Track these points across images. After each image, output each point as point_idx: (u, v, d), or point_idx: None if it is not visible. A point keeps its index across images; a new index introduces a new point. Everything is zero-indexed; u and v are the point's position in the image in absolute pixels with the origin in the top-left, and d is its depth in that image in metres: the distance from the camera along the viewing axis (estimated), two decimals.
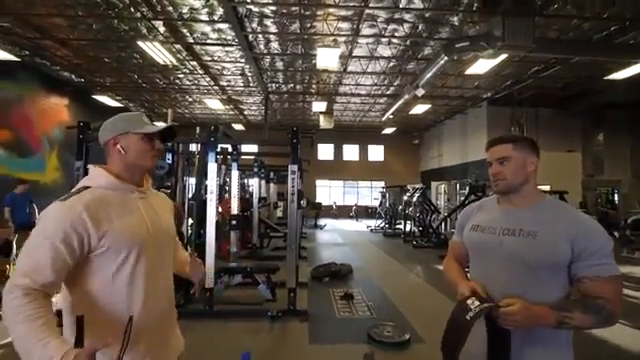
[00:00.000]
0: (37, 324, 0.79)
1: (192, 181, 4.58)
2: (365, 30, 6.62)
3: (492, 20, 4.93)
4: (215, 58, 8.23)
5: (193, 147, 4.65)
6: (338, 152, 17.96)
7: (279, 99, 12.13)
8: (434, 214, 9.81)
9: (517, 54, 6.22)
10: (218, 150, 4.15)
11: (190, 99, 11.99)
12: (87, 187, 0.96)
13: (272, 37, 7.05)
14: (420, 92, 7.49)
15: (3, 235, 4.00)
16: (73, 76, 9.34)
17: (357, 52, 7.69)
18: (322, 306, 4.01)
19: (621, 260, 6.54)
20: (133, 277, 0.96)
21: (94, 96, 10.50)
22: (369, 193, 18.10)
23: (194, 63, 8.46)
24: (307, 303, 4.03)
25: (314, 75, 9.44)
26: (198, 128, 4.92)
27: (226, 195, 6.08)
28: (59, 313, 0.95)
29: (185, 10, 5.93)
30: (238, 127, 15.30)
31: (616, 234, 8.53)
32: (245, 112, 13.99)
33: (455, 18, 6.13)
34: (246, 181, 8.35)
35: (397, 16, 6.11)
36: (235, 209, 5.36)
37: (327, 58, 6.85)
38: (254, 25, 6.45)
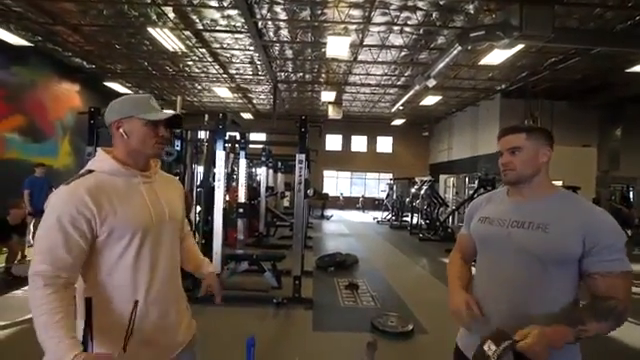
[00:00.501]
0: (54, 319, 0.82)
1: (200, 169, 4.61)
2: (377, 18, 6.48)
3: (509, 8, 4.76)
4: (224, 45, 8.17)
5: (202, 135, 4.67)
6: (346, 143, 17.85)
7: (288, 88, 12.05)
8: (442, 207, 9.74)
9: (534, 44, 6.02)
10: (226, 138, 4.16)
11: (199, 87, 12.00)
12: (91, 171, 0.97)
13: (282, 24, 6.95)
14: (431, 83, 7.34)
15: (19, 215, 4.11)
16: (85, 62, 9.41)
17: (368, 41, 7.55)
18: (327, 295, 4.04)
19: (633, 258, 6.38)
20: (137, 262, 0.96)
21: (105, 83, 10.58)
22: (376, 185, 18.03)
23: (203, 50, 8.42)
24: (312, 291, 4.07)
25: (324, 64, 9.32)
26: (207, 116, 4.93)
27: (234, 183, 6.12)
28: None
29: None
30: (247, 116, 15.30)
31: (629, 232, 8.36)
32: (254, 101, 13.96)
33: (470, 6, 5.93)
34: (254, 170, 8.39)
35: (410, 3, 5.95)
36: (242, 197, 5.40)
37: (337, 47, 6.73)
38: (264, 12, 6.37)
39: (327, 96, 11.42)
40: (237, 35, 7.51)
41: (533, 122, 9.82)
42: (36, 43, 7.72)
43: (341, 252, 5.61)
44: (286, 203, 10.70)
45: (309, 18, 6.60)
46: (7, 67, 7.40)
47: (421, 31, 6.99)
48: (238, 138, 5.68)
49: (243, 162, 5.58)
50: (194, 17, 6.71)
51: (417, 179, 10.87)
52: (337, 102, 12.07)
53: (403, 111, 13.52)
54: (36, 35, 7.53)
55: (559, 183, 8.33)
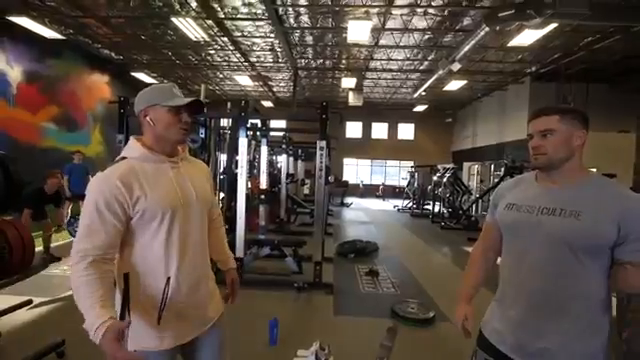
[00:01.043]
0: (91, 290, 0.91)
1: (224, 156, 4.73)
2: (399, 0, 6.26)
3: None
4: (245, 33, 8.19)
5: (224, 122, 4.77)
6: (367, 130, 17.61)
7: (308, 75, 11.96)
8: (465, 195, 9.51)
9: (569, 23, 5.62)
10: (248, 125, 4.22)
11: (221, 75, 12.14)
12: (124, 158, 1.05)
13: (302, 10, 6.87)
14: (456, 67, 7.06)
15: (55, 184, 4.33)
16: (113, 54, 9.74)
17: (390, 24, 7.32)
18: (347, 281, 4.10)
19: None
20: (167, 242, 1.03)
21: (132, 73, 10.92)
22: (397, 173, 17.77)
23: (225, 39, 8.48)
24: (332, 277, 4.14)
25: (344, 50, 9.15)
26: (229, 104, 5.01)
27: (255, 171, 6.24)
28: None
29: None
30: (267, 104, 15.37)
31: None
32: (274, 89, 13.98)
33: None
34: (274, 158, 8.48)
35: None
36: (264, 184, 5.50)
37: (358, 31, 6.58)
38: None
39: (347, 82, 11.25)
40: (258, 22, 7.49)
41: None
42: (68, 36, 8.04)
43: (361, 239, 5.64)
44: (306, 190, 10.79)
45: (330, 2, 6.47)
46: (43, 60, 7.77)
47: (446, 12, 6.69)
48: (259, 126, 5.75)
49: (264, 149, 5.65)
50: (216, 5, 6.74)
51: (439, 166, 10.63)
52: (358, 88, 11.87)
53: (425, 97, 13.11)
54: (68, 28, 7.84)
55: (593, 170, 7.81)
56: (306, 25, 7.58)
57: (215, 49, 9.34)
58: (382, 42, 8.35)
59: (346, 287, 3.86)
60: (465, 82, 10.65)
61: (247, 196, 3.84)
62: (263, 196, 5.49)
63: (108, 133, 9.56)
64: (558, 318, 0.95)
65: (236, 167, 3.97)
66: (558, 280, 0.96)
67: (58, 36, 7.27)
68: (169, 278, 1.03)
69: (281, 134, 7.55)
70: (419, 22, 7.17)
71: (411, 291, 3.82)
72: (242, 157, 3.77)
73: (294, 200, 7.73)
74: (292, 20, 7.36)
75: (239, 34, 8.24)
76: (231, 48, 9.17)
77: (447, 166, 10.28)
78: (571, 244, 0.93)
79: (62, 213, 4.68)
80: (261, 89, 13.92)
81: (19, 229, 3.28)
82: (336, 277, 4.19)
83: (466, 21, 7.02)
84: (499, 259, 1.18)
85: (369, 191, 16.66)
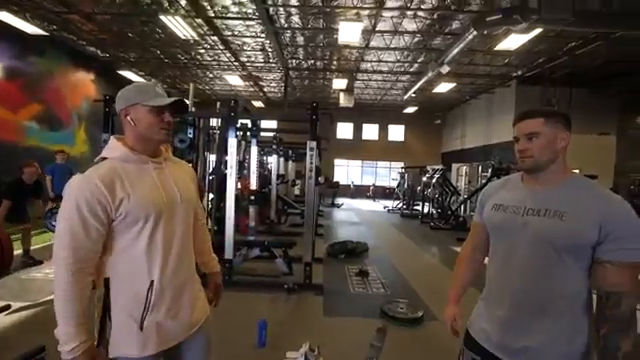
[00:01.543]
0: (69, 305, 0.90)
1: (212, 157, 4.67)
2: (390, 2, 6.31)
3: None
4: (235, 33, 8.13)
5: (214, 122, 4.71)
6: (357, 131, 17.70)
7: (299, 76, 11.95)
8: (454, 196, 9.64)
9: (553, 28, 5.77)
10: (238, 125, 4.18)
11: (210, 75, 12.02)
12: (105, 158, 1.01)
13: (293, 10, 6.86)
14: (445, 69, 7.17)
15: (33, 173, 4.14)
16: (99, 51, 9.52)
17: (380, 26, 7.38)
18: (337, 281, 4.10)
19: None
20: (151, 245, 1.00)
21: (119, 71, 10.71)
22: (387, 173, 17.90)
23: (215, 38, 8.40)
24: (322, 278, 4.14)
25: (335, 51, 9.18)
26: (219, 103, 4.95)
27: (245, 171, 6.19)
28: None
29: None
30: (257, 104, 15.29)
31: None
32: (265, 89, 13.92)
33: None
34: (265, 158, 8.44)
35: None
36: (254, 185, 5.46)
37: (349, 33, 6.61)
38: None
39: (338, 84, 11.29)
40: (248, 22, 7.44)
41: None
42: (52, 32, 7.82)
43: (351, 240, 5.65)
44: (297, 191, 10.76)
45: (321, 4, 6.48)
46: (25, 57, 7.55)
47: (435, 16, 6.79)
48: (250, 126, 5.70)
49: (254, 150, 5.61)
50: (205, 4, 6.67)
51: (429, 167, 10.75)
52: (348, 90, 11.92)
53: (415, 99, 13.27)
54: (51, 24, 7.63)
55: (576, 171, 8.02)
56: (297, 25, 7.57)
57: (205, 48, 9.24)
58: (373, 44, 8.41)
59: (336, 288, 3.86)
60: (454, 85, 10.82)
61: (236, 197, 3.80)
62: (253, 197, 5.45)
63: (93, 132, 9.35)
64: (542, 317, 0.97)
65: (225, 168, 3.93)
66: (542, 280, 0.97)
67: (41, 32, 7.07)
68: (152, 282, 1.00)
69: (271, 134, 7.52)
70: (409, 25, 7.25)
71: (401, 291, 3.84)
72: (231, 157, 3.72)
73: (284, 201, 7.70)
74: (283, 20, 7.34)
75: (229, 33, 8.17)
76: (221, 47, 9.08)
77: (436, 167, 10.42)
78: (555, 244, 0.95)
79: (41, 205, 4.50)
80: (252, 89, 13.84)
81: None
82: (326, 278, 4.18)
83: (455, 25, 7.13)
84: (487, 259, 1.19)
85: (360, 192, 16.74)
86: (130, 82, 1.10)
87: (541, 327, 0.97)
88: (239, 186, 5.55)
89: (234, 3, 6.58)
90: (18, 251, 4.01)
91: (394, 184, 14.89)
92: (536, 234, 0.98)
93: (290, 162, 9.18)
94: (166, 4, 6.59)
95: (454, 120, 15.93)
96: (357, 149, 17.60)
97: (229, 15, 7.10)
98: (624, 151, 10.23)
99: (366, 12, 6.73)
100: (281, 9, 6.79)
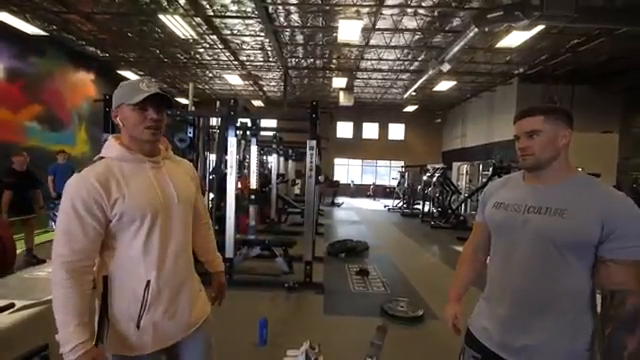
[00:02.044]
0: (69, 304, 0.90)
1: (212, 156, 4.67)
2: (390, 0, 6.29)
3: None
4: (235, 32, 8.12)
5: (214, 122, 4.71)
6: (357, 130, 17.68)
7: (298, 74, 11.94)
8: (454, 195, 9.62)
9: (556, 25, 5.74)
10: (238, 125, 4.18)
11: (210, 74, 12.01)
12: (102, 157, 1.01)
13: (292, 9, 6.84)
14: (446, 67, 7.15)
15: (22, 162, 4.24)
16: (98, 51, 9.52)
17: (380, 24, 7.35)
18: (337, 280, 4.10)
19: None
20: (147, 245, 0.99)
21: (118, 71, 10.71)
22: (387, 172, 17.89)
23: (214, 37, 8.39)
24: (323, 277, 4.13)
25: (335, 49, 9.16)
26: (218, 103, 4.95)
27: (245, 171, 6.18)
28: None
29: None
30: (257, 103, 15.29)
31: None
32: (264, 88, 13.91)
33: None
34: (265, 157, 8.44)
35: None
36: (254, 184, 5.46)
37: (349, 31, 6.59)
38: None
39: (338, 82, 11.27)
40: (247, 21, 7.43)
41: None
42: (51, 32, 7.83)
43: (352, 239, 5.64)
44: (297, 190, 10.76)
45: (320, 1, 6.46)
46: (25, 57, 7.56)
47: (436, 13, 6.76)
48: (249, 125, 5.69)
49: (254, 149, 5.60)
50: (204, 3, 6.66)
51: (429, 166, 10.73)
52: (348, 88, 11.90)
53: (416, 97, 13.24)
54: (51, 24, 7.63)
55: (579, 169, 7.99)
56: (296, 24, 7.55)
57: (204, 47, 9.23)
58: (373, 42, 8.38)
59: (336, 286, 3.86)
60: (454, 83, 10.79)
61: (237, 196, 3.79)
62: (253, 196, 5.44)
63: (94, 132, 9.36)
64: (543, 315, 0.96)
65: (225, 167, 3.92)
66: (544, 278, 0.96)
67: (41, 32, 7.08)
68: (149, 281, 0.99)
69: (271, 134, 7.51)
70: (409, 22, 7.23)
71: (401, 290, 3.84)
72: (231, 157, 3.72)
73: (285, 200, 7.69)
74: (282, 19, 7.32)
75: (228, 32, 8.16)
76: (220, 46, 9.07)
77: (437, 166, 10.40)
78: (556, 242, 0.93)
79: (41, 196, 4.57)
80: (251, 88, 13.83)
81: None
82: (327, 277, 4.18)
83: (455, 22, 7.10)
84: (489, 258, 1.18)
85: (360, 191, 16.73)
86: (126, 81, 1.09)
87: (542, 325, 0.96)
88: (239, 185, 5.55)
89: (233, 2, 6.56)
90: (21, 249, 4.03)
91: (394, 183, 14.87)
92: (537, 232, 0.97)
93: (290, 161, 9.17)
94: (165, 3, 6.58)
95: (455, 119, 15.90)
96: (357, 148, 17.58)
97: (228, 14, 7.09)
98: (627, 149, 10.18)
99: (366, 10, 6.71)
100: (280, 7, 6.77)
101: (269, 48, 9.13)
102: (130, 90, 1.00)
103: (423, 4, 6.37)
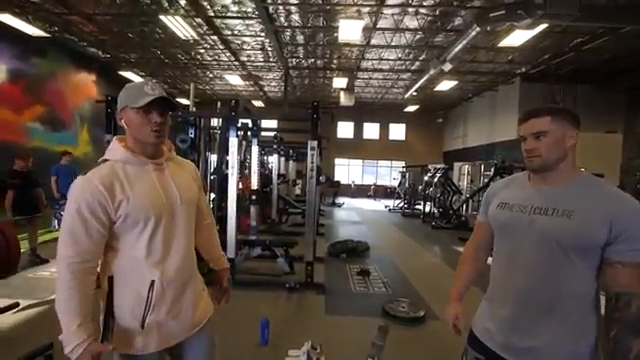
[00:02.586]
0: (71, 304, 0.92)
1: (214, 156, 4.67)
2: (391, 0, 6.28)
3: None
4: (235, 32, 8.13)
5: (215, 122, 4.71)
6: (358, 130, 17.67)
7: (299, 75, 11.94)
8: (455, 195, 9.60)
9: (559, 24, 5.70)
10: (239, 125, 4.18)
11: (211, 75, 12.03)
12: (106, 160, 1.02)
13: (293, 9, 6.84)
14: (447, 67, 7.13)
15: (22, 165, 4.27)
16: (100, 52, 9.56)
17: (381, 24, 7.35)
18: (338, 280, 4.09)
19: None
20: (151, 246, 1.00)
21: (120, 72, 10.75)
22: (388, 173, 17.87)
23: (214, 37, 8.40)
24: (324, 277, 4.12)
25: (335, 49, 9.16)
26: (219, 103, 4.95)
27: (246, 171, 6.18)
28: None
29: None
30: (258, 104, 15.30)
31: None
32: (265, 88, 13.92)
33: None
34: (266, 158, 8.44)
35: None
36: (255, 185, 5.45)
37: (350, 31, 6.59)
38: None
39: (339, 82, 11.27)
40: (248, 21, 7.44)
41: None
42: (53, 34, 7.86)
43: (353, 239, 5.63)
44: (298, 191, 10.76)
45: (320, 1, 6.46)
46: (27, 59, 7.59)
47: (437, 12, 6.75)
48: (250, 125, 5.69)
49: (255, 149, 5.60)
50: (205, 4, 6.67)
51: (430, 167, 10.71)
52: (349, 88, 11.89)
53: (417, 97, 13.22)
54: (53, 25, 7.66)
55: (582, 170, 7.88)
56: (297, 24, 7.55)
57: (205, 48, 9.24)
58: (373, 42, 8.38)
59: (338, 287, 3.85)
60: (456, 82, 10.77)
61: (238, 196, 3.79)
62: (254, 196, 5.44)
63: (96, 133, 9.40)
64: (548, 317, 0.95)
65: (226, 167, 3.92)
66: (549, 279, 0.96)
67: (43, 34, 7.11)
68: (153, 282, 1.01)
69: (272, 134, 7.52)
70: (410, 22, 7.21)
71: (402, 290, 3.82)
72: (232, 157, 3.72)
73: (285, 200, 7.69)
74: (283, 19, 7.32)
75: (229, 33, 8.17)
76: (221, 47, 9.08)
77: (438, 166, 10.37)
78: (563, 243, 0.93)
79: (43, 195, 4.59)
80: (252, 89, 13.84)
81: (2, 229, 3.18)
82: (328, 277, 4.17)
83: (457, 21, 7.08)
84: (490, 258, 1.17)
85: (361, 191, 16.71)
86: (131, 82, 1.09)
87: (546, 327, 0.95)
88: (240, 186, 5.55)
89: (234, 2, 6.57)
90: (25, 249, 4.04)
91: (395, 183, 14.85)
92: (542, 233, 0.96)
93: (291, 162, 9.17)
94: (166, 4, 6.60)
95: (456, 118, 15.86)
96: (358, 148, 17.57)
97: (229, 14, 7.09)
98: (631, 149, 10.12)
99: (367, 9, 6.70)
100: (281, 7, 6.78)
101: (270, 48, 9.13)
102: (135, 93, 1.01)
103: (424, 3, 6.36)
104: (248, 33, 8.17)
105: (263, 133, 6.64)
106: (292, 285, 3.58)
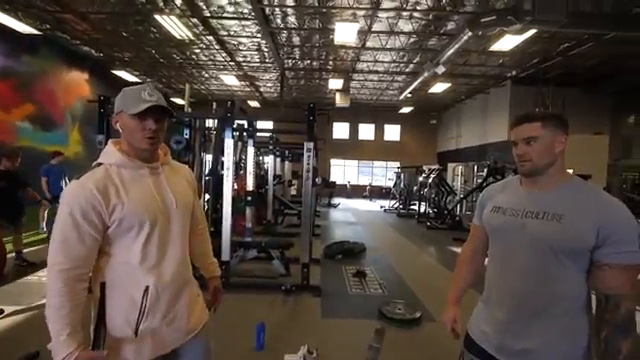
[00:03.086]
0: (61, 313, 0.89)
1: (209, 157, 4.64)
2: (385, 3, 6.33)
3: None
4: (231, 33, 8.09)
5: (210, 123, 4.68)
6: (353, 131, 17.72)
7: (295, 76, 11.94)
8: (450, 196, 9.69)
9: (547, 29, 5.82)
10: (234, 126, 4.16)
11: (206, 75, 11.95)
12: (100, 164, 1.01)
13: (289, 10, 6.84)
14: (440, 70, 7.21)
15: (8, 166, 4.11)
16: (93, 51, 9.43)
17: (376, 27, 7.40)
18: (335, 282, 4.09)
19: None
20: (145, 251, 0.99)
21: (113, 71, 10.61)
22: (383, 173, 17.96)
23: (210, 38, 8.36)
24: (320, 279, 4.12)
25: (331, 51, 9.19)
26: (215, 104, 4.93)
27: (241, 172, 6.16)
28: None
29: None
30: (253, 104, 15.25)
31: None
32: (261, 89, 13.88)
33: None
34: (261, 159, 8.42)
35: None
36: (250, 186, 5.44)
37: (345, 33, 6.62)
38: None
39: (335, 84, 11.30)
40: (244, 22, 7.42)
41: (544, 110, 9.62)
42: (45, 31, 7.73)
43: (349, 240, 5.65)
44: (293, 191, 10.75)
45: (317, 4, 6.48)
46: (17, 56, 7.45)
47: (430, 17, 6.82)
48: (246, 126, 5.68)
49: (251, 150, 5.58)
50: (201, 4, 6.63)
51: (425, 167, 10.79)
52: (345, 90, 11.93)
53: (411, 99, 13.32)
54: (44, 23, 7.54)
55: (570, 172, 8.06)
56: (293, 26, 7.56)
57: (200, 48, 9.19)
58: (369, 44, 8.42)
59: (334, 289, 3.86)
60: (449, 85, 10.88)
61: (233, 198, 3.77)
62: (250, 198, 5.42)
63: (87, 133, 9.26)
64: (541, 319, 0.97)
65: (222, 168, 3.90)
66: (541, 282, 0.98)
67: (34, 31, 6.98)
68: (147, 287, 0.99)
69: (268, 135, 7.50)
70: (405, 25, 7.28)
71: (398, 291, 3.85)
72: (228, 158, 3.70)
73: (281, 201, 7.68)
74: (279, 20, 7.32)
75: (225, 33, 8.13)
76: (217, 47, 9.04)
77: (432, 167, 10.46)
78: (553, 247, 0.95)
79: (32, 193, 4.43)
80: (248, 89, 13.79)
81: None
82: (324, 279, 4.17)
83: (450, 25, 7.17)
84: (487, 260, 1.19)
85: (356, 192, 16.76)
86: (125, 82, 1.09)
87: (541, 329, 0.97)
88: (236, 187, 5.53)
89: (230, 3, 6.55)
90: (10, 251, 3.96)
91: (390, 184, 14.93)
92: (534, 236, 0.98)
93: (287, 162, 9.16)
94: (161, 4, 6.54)
95: (449, 120, 16.02)
96: (353, 149, 17.62)
97: (225, 15, 7.07)
98: (617, 150, 10.35)
99: (362, 13, 6.74)
100: (277, 9, 6.77)
101: (266, 49, 9.12)
102: (132, 98, 0.99)
103: (418, 8, 6.42)
104: (244, 34, 8.15)
105: (259, 134, 6.62)
106: (288, 287, 3.57)
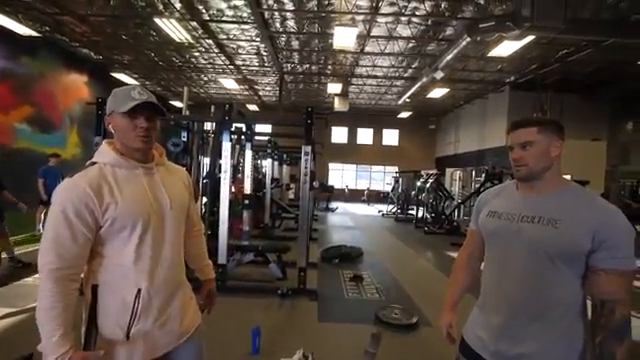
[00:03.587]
0: (52, 314, 0.88)
1: (206, 160, 4.64)
2: (384, 8, 6.37)
3: None
4: (231, 36, 8.13)
5: (208, 126, 4.69)
6: (352, 135, 17.76)
7: (294, 80, 11.98)
8: (447, 201, 9.70)
9: (546, 35, 5.87)
10: (232, 129, 4.16)
11: (205, 78, 11.99)
12: (95, 163, 1.00)
13: (288, 15, 6.88)
14: (439, 75, 7.24)
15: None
16: (92, 53, 9.45)
17: (375, 32, 7.44)
18: (331, 286, 4.08)
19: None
20: (138, 252, 0.98)
21: (112, 74, 10.63)
22: (382, 178, 17.98)
23: (210, 41, 8.39)
24: (317, 283, 4.10)
25: (330, 56, 9.23)
26: (213, 107, 4.93)
27: (239, 175, 6.15)
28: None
29: None
30: (252, 108, 15.28)
31: (638, 228, 8.23)
32: (260, 93, 13.92)
33: None
34: (259, 162, 8.42)
35: None
36: (248, 189, 5.43)
37: (344, 38, 6.65)
38: (270, 2, 6.30)
39: (333, 88, 11.34)
40: (243, 26, 7.45)
41: (542, 115, 9.67)
42: (44, 34, 7.75)
43: (346, 244, 5.63)
44: (291, 195, 10.74)
45: (316, 8, 6.51)
46: (16, 58, 7.45)
47: (429, 22, 6.87)
48: (244, 130, 5.68)
49: (249, 154, 5.58)
50: (200, 7, 6.66)
51: (423, 172, 10.81)
52: (343, 94, 11.97)
53: (410, 104, 13.38)
54: (44, 25, 7.56)
55: (567, 177, 8.06)
56: (292, 30, 7.60)
57: (200, 51, 9.22)
58: (368, 49, 8.47)
59: (331, 293, 3.84)
60: (448, 90, 10.93)
61: (230, 201, 3.76)
62: (247, 201, 5.41)
63: (86, 135, 9.23)
64: (537, 324, 0.97)
65: (219, 171, 3.89)
66: (536, 287, 0.97)
67: (33, 33, 6.99)
68: (140, 290, 0.97)
69: (266, 138, 7.51)
70: (403, 30, 7.32)
71: (395, 296, 3.83)
72: (225, 161, 3.70)
73: (279, 205, 7.67)
74: (278, 24, 7.36)
75: (224, 37, 8.16)
76: (216, 51, 9.07)
77: (430, 172, 10.48)
78: (549, 251, 0.95)
79: (8, 196, 4.34)
80: (247, 93, 13.82)
81: None
82: (321, 283, 4.16)
83: (449, 31, 7.22)
84: (483, 264, 1.19)
85: (354, 196, 16.76)
86: (124, 84, 1.09)
87: (537, 334, 0.97)
88: (233, 190, 5.52)
89: (229, 7, 6.58)
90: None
91: (388, 188, 14.94)
92: (530, 241, 0.98)
93: (285, 166, 9.16)
94: (161, 7, 6.57)
95: (448, 125, 16.08)
96: (352, 153, 17.65)
97: (224, 19, 7.10)
98: (615, 156, 10.40)
99: (361, 17, 6.78)
100: (276, 13, 6.81)
101: (265, 53, 9.16)
102: (122, 98, 0.99)
103: (417, 13, 6.47)
104: (243, 38, 8.18)
105: (257, 137, 6.63)
106: (284, 291, 3.56)
